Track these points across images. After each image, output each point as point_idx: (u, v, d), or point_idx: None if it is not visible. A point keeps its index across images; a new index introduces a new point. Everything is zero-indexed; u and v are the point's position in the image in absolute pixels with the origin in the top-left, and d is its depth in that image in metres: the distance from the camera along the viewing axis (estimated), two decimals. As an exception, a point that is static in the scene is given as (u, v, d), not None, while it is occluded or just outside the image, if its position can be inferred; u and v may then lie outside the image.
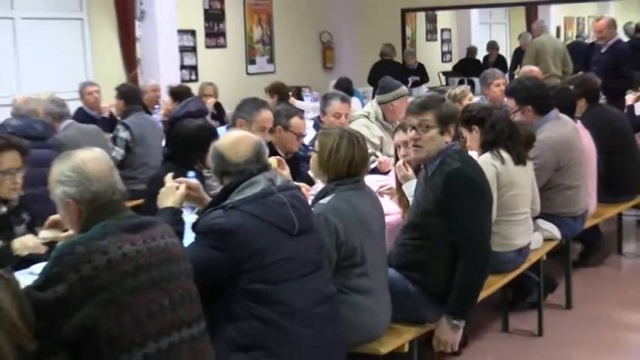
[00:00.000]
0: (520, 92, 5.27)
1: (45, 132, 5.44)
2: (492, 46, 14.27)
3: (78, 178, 2.53)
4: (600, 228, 6.19)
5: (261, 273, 2.89)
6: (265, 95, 7.78)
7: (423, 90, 11.50)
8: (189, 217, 3.37)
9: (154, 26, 9.55)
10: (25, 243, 3.36)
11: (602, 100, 7.13)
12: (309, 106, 9.15)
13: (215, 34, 11.02)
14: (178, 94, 7.72)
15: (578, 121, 5.76)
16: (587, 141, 5.55)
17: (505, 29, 18.99)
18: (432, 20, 15.73)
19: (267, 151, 3.20)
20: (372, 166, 5.26)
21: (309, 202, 3.43)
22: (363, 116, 6.04)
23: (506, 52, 15.84)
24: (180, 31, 10.13)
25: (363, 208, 3.44)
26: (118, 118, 7.26)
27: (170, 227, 2.70)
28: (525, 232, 4.51)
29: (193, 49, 10.61)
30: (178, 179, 3.32)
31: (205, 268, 2.78)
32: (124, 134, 6.54)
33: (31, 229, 3.49)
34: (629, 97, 8.02)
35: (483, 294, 3.95)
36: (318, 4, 12.64)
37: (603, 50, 8.61)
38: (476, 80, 10.15)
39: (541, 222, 4.95)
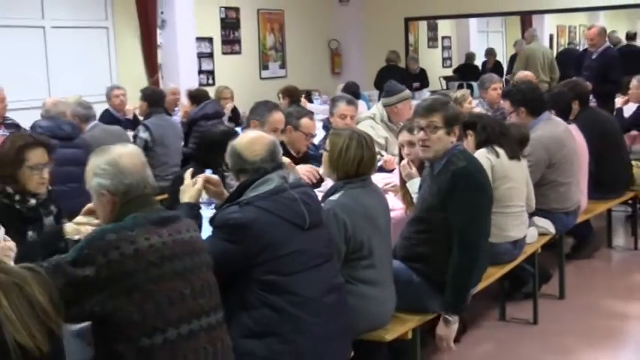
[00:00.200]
0: (515, 95, 5.29)
1: (72, 132, 5.43)
2: (490, 52, 14.21)
3: (113, 171, 2.52)
4: (591, 223, 6.17)
5: (275, 265, 2.88)
6: (278, 98, 7.76)
7: (426, 94, 11.46)
8: (207, 212, 3.37)
9: (174, 34, 9.57)
10: (77, 228, 3.33)
11: (593, 103, 7.09)
12: (319, 108, 9.12)
13: (231, 42, 11.02)
14: (196, 97, 7.74)
15: (573, 123, 5.73)
16: (580, 141, 5.52)
17: (501, 37, 18.89)
18: (433, 28, 15.68)
19: (281, 150, 3.18)
20: (378, 164, 5.23)
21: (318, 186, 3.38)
22: (369, 118, 6.02)
23: (502, 58, 15.76)
24: (199, 39, 10.14)
25: (370, 204, 3.42)
26: (141, 118, 7.26)
27: (194, 222, 2.71)
28: (520, 225, 4.48)
29: (210, 55, 10.61)
30: (198, 175, 3.31)
31: (221, 260, 2.75)
32: (143, 135, 6.53)
33: (58, 222, 3.47)
34: (618, 101, 8.00)
35: (482, 285, 3.96)
36: (326, 14, 12.64)
37: (594, 56, 8.57)
38: (474, 84, 10.16)
39: (537, 219, 4.92)
